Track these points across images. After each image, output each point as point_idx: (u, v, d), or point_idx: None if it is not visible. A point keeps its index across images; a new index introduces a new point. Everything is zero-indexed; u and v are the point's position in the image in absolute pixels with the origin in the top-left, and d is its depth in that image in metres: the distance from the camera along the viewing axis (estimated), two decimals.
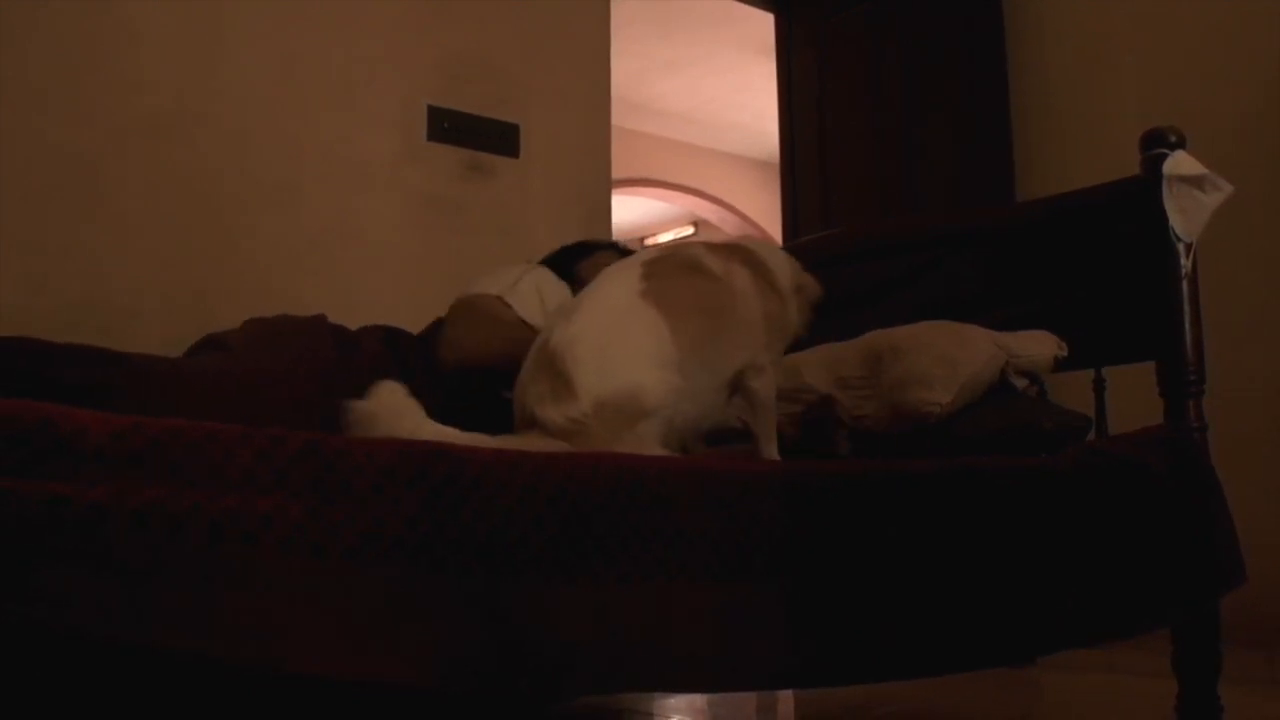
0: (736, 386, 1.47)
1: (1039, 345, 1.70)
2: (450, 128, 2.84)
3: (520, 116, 3.00)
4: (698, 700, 2.26)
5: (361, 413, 1.16)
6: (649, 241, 9.00)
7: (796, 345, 1.80)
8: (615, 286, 1.40)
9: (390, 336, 1.88)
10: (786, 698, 2.35)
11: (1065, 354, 1.72)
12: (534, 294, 1.90)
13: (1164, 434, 1.60)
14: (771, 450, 1.51)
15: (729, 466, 1.20)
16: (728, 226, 7.69)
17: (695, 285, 1.43)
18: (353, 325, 1.94)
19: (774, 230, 6.25)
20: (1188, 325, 1.65)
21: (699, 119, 6.81)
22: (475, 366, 1.77)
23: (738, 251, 1.56)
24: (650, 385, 1.29)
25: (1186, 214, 1.65)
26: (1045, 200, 2.02)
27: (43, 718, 0.97)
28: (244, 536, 0.85)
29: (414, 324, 2.00)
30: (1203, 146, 1.75)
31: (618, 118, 3.41)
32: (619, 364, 1.29)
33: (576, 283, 1.92)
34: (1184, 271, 1.65)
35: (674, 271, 1.43)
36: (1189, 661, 1.57)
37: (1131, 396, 1.79)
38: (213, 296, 2.38)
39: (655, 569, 1.05)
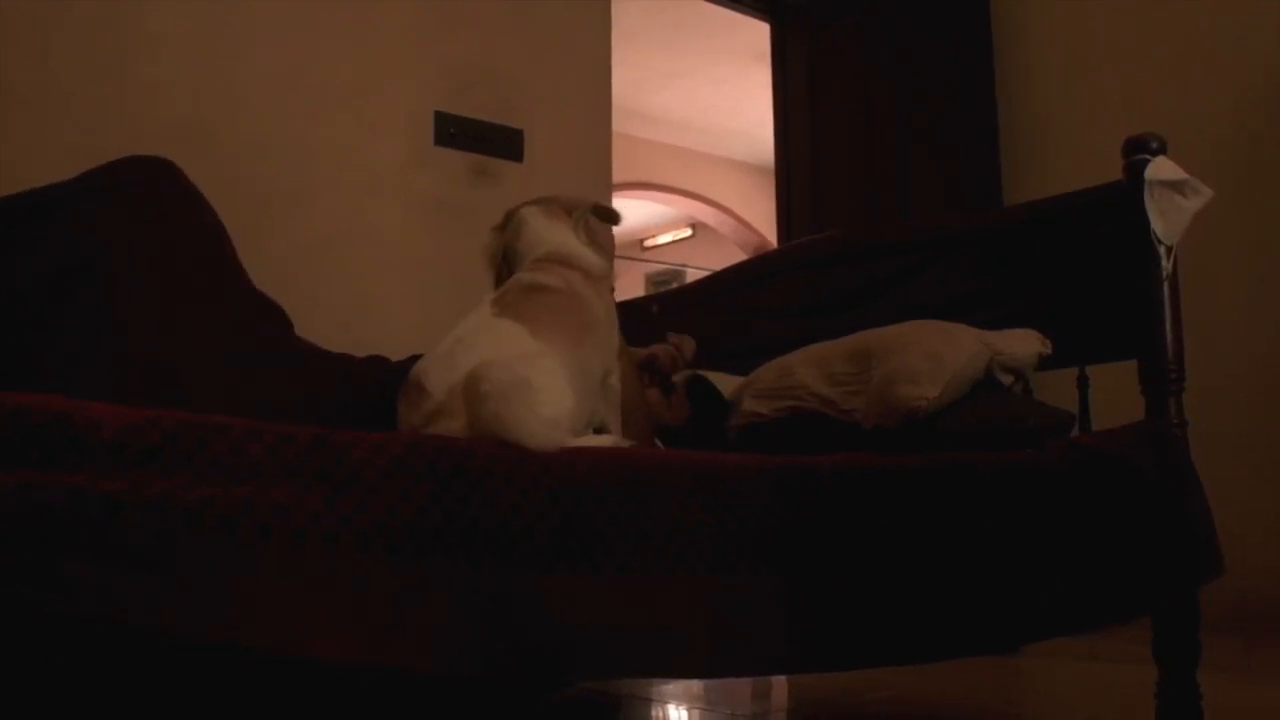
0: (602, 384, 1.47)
1: (1024, 343, 1.72)
2: (457, 133, 2.87)
3: (524, 122, 3.03)
4: (695, 685, 2.29)
5: None
6: (648, 243, 9.04)
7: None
8: (468, 320, 1.38)
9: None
10: (781, 683, 2.38)
11: (1049, 351, 1.73)
12: None
13: (1145, 430, 1.62)
14: (618, 429, 1.51)
15: (725, 461, 1.22)
16: (725, 229, 7.74)
17: (544, 301, 1.41)
18: (361, 324, 1.96)
19: (769, 232, 6.29)
20: (1168, 325, 1.67)
21: (697, 125, 6.84)
22: None
23: (563, 259, 1.53)
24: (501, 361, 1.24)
25: (1167, 217, 1.67)
26: (1031, 204, 2.03)
27: (62, 705, 0.99)
28: (257, 528, 0.87)
29: (419, 323, 2.02)
30: (1183, 152, 1.77)
31: (618, 124, 3.44)
32: (469, 357, 1.26)
33: None
34: (1165, 273, 1.67)
35: (520, 295, 1.42)
36: (1169, 649, 1.58)
37: (1114, 394, 1.81)
38: None
39: (654, 560, 1.08)
